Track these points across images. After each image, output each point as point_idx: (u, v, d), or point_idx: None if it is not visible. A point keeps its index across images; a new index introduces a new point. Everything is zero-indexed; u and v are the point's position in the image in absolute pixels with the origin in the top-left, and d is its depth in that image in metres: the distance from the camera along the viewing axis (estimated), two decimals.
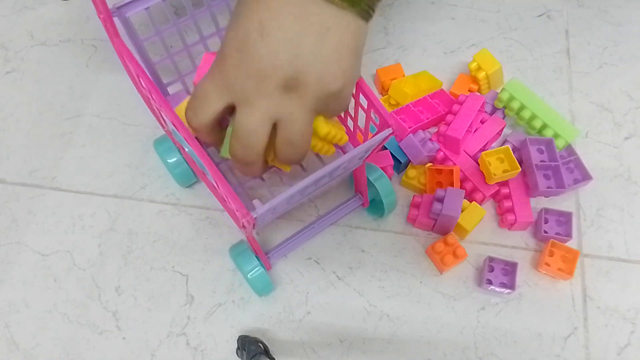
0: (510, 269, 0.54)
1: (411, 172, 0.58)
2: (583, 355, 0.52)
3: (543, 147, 0.57)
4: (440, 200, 0.53)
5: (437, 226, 0.55)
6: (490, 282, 0.53)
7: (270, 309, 0.54)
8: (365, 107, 0.45)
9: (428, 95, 0.61)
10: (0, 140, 0.62)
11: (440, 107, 0.61)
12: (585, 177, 0.58)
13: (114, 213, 0.58)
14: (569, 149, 0.59)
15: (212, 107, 0.39)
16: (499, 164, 0.55)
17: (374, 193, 0.54)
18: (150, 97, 0.46)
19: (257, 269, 0.51)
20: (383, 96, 0.64)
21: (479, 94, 0.61)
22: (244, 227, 0.40)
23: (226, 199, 0.41)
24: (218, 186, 0.41)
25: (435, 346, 0.52)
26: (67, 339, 0.53)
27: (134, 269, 0.56)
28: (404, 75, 0.64)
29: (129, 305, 0.54)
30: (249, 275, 0.51)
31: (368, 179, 0.53)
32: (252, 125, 0.38)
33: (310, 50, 0.36)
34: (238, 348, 0.50)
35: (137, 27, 0.48)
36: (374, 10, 0.38)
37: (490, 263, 0.54)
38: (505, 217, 0.56)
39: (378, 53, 0.68)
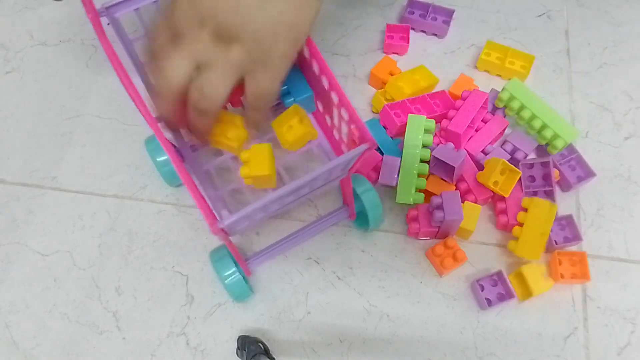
0: (497, 277, 0.53)
1: None
2: (583, 355, 0.52)
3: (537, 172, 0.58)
4: (439, 207, 0.53)
5: (440, 232, 0.55)
6: (489, 301, 0.53)
7: (270, 309, 0.54)
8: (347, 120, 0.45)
9: (428, 95, 0.61)
10: (0, 140, 0.62)
11: (438, 108, 0.61)
12: (589, 174, 0.58)
13: (114, 213, 0.58)
14: (570, 148, 0.59)
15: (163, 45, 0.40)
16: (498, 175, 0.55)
17: (361, 206, 0.54)
18: (133, 99, 0.46)
19: (234, 275, 0.50)
20: (378, 89, 0.64)
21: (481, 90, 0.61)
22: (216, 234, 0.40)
23: (198, 206, 0.41)
24: (190, 192, 0.41)
25: (435, 346, 0.52)
26: (67, 339, 0.53)
27: (134, 269, 0.56)
28: (396, 67, 0.64)
29: (129, 305, 0.54)
30: (226, 282, 0.50)
31: (355, 192, 0.53)
32: (177, 59, 0.39)
33: (249, 9, 0.37)
34: (238, 348, 0.50)
35: (129, 27, 0.48)
36: None
37: (479, 283, 0.54)
38: (499, 218, 0.56)
39: (377, 53, 0.68)
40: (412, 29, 0.69)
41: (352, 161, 0.44)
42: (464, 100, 0.59)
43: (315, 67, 0.46)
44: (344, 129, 0.46)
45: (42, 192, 0.60)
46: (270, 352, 0.50)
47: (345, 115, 0.44)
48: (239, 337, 0.51)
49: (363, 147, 0.42)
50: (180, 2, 0.39)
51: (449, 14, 0.68)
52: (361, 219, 0.56)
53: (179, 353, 0.52)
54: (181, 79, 0.40)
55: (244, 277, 0.51)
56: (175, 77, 0.39)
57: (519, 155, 0.58)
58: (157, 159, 0.56)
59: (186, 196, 0.59)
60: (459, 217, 0.52)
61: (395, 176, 0.55)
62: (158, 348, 0.52)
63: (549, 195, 0.56)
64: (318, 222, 0.55)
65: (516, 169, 0.54)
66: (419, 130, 0.56)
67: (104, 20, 0.45)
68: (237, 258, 0.50)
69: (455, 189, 0.56)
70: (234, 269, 0.50)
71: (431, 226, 0.54)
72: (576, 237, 0.55)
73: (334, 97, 0.45)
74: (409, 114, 0.57)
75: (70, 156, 0.61)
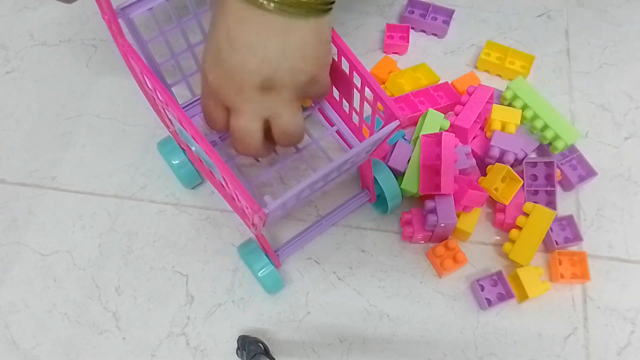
0: (497, 277, 0.53)
1: None
2: (583, 355, 0.52)
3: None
4: (433, 211, 0.53)
5: (434, 236, 0.55)
6: (489, 301, 0.53)
7: (270, 309, 0.54)
8: (371, 100, 0.45)
9: (431, 87, 0.61)
10: (0, 140, 0.62)
11: (442, 100, 0.61)
12: (590, 173, 0.58)
13: (114, 213, 0.58)
14: (571, 147, 0.59)
15: (218, 117, 0.43)
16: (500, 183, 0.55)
17: (380, 189, 0.54)
18: (156, 96, 0.46)
19: (267, 267, 0.51)
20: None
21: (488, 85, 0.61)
22: (254, 224, 0.40)
23: (236, 196, 0.41)
24: (227, 184, 0.41)
25: (435, 346, 0.52)
26: (67, 339, 0.53)
27: (134, 269, 0.55)
28: (396, 67, 0.64)
29: (129, 305, 0.54)
30: (259, 274, 0.51)
31: (374, 176, 0.53)
32: (243, 126, 0.42)
33: (276, 52, 0.39)
34: (238, 348, 0.50)
35: (140, 27, 0.48)
36: (332, 2, 0.40)
37: (479, 283, 0.54)
38: (496, 216, 0.56)
39: (377, 53, 0.68)
40: (412, 28, 0.69)
41: (379, 141, 0.44)
42: (470, 95, 0.59)
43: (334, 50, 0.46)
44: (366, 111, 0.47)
45: (42, 192, 0.60)
46: (270, 352, 0.50)
47: (370, 96, 0.44)
48: (239, 337, 0.51)
49: (394, 124, 0.42)
50: (210, 84, 0.42)
51: (449, 13, 0.68)
52: (379, 202, 0.57)
53: (179, 353, 0.52)
54: (260, 136, 0.43)
55: (275, 269, 0.52)
56: (255, 137, 0.43)
57: (519, 154, 0.58)
58: (173, 162, 0.56)
59: (186, 196, 0.59)
60: (453, 221, 0.52)
61: (406, 162, 0.56)
62: (158, 348, 0.52)
63: (551, 195, 0.56)
64: (340, 207, 0.56)
65: (518, 177, 0.54)
66: (435, 126, 0.56)
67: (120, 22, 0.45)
68: (267, 250, 0.51)
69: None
70: (267, 260, 0.51)
71: (425, 230, 0.54)
72: (577, 238, 0.55)
73: (356, 78, 0.45)
74: (429, 109, 0.57)
75: (70, 156, 0.61)
